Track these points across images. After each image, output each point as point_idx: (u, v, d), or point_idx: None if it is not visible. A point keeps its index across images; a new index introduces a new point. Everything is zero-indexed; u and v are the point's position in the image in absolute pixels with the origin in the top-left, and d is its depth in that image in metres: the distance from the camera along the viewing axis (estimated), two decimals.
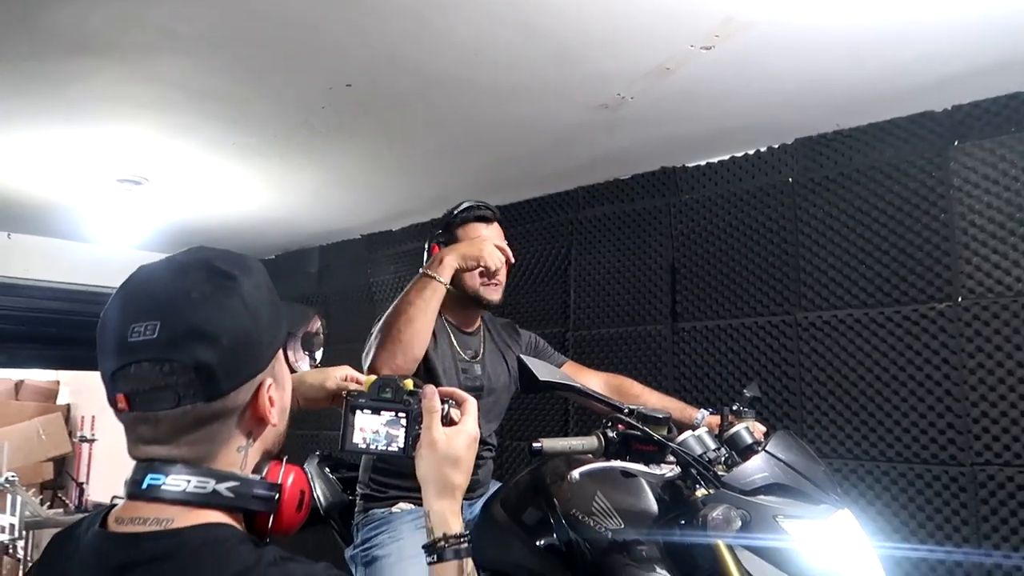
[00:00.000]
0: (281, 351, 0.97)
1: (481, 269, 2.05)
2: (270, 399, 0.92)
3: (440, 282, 1.85)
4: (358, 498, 2.14)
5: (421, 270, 1.84)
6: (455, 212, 2.17)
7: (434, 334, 2.08)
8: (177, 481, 0.85)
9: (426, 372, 2.02)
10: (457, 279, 2.10)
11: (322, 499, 2.42)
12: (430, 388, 1.06)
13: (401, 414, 1.05)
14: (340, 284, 4.50)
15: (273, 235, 4.41)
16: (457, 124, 2.76)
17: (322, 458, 2.54)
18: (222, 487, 0.87)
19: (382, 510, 2.05)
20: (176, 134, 2.85)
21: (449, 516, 1.03)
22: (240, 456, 0.91)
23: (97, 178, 3.33)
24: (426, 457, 1.04)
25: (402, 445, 1.05)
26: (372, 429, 1.05)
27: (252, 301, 0.90)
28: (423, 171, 3.30)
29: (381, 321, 1.91)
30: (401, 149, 3.03)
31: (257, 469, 0.94)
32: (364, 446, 1.04)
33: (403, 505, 2.04)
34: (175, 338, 0.84)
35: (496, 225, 2.18)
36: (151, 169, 3.24)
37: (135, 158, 3.11)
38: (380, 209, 3.90)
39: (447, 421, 1.07)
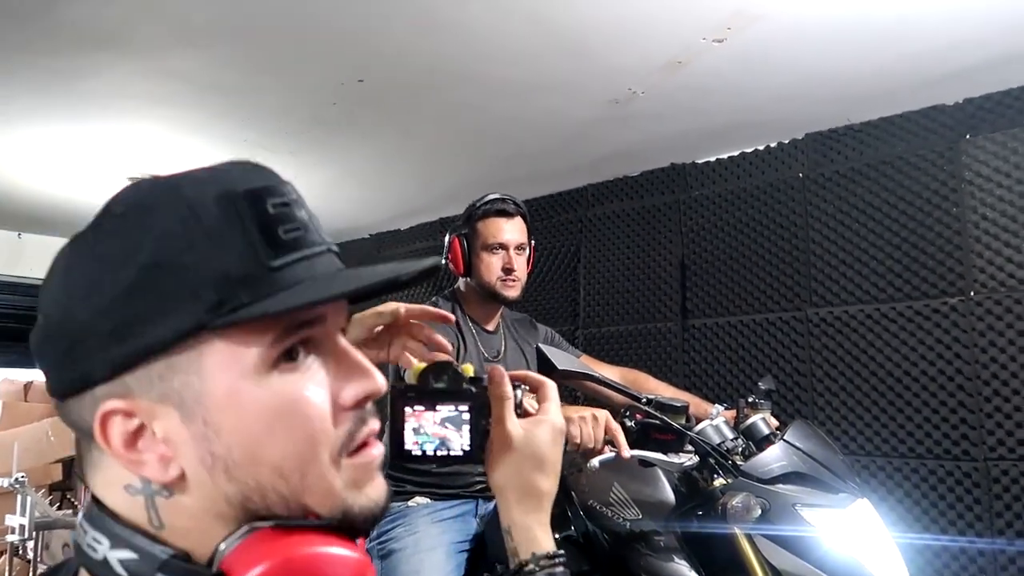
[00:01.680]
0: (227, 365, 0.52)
1: (503, 264, 2.08)
2: (129, 437, 0.52)
3: None
4: None
5: None
6: (477, 205, 2.17)
7: (461, 337, 2.09)
8: (81, 534, 0.55)
9: None
10: (476, 274, 2.12)
11: None
12: (498, 370, 0.83)
13: (463, 406, 0.83)
14: None
15: None
16: (468, 120, 2.77)
17: None
18: (115, 556, 0.53)
19: (398, 504, 2.05)
20: (187, 130, 2.86)
21: (538, 531, 0.81)
22: (137, 503, 0.54)
23: (108, 176, 3.34)
24: (501, 458, 0.82)
25: (468, 446, 0.82)
26: (428, 429, 0.83)
27: (110, 261, 0.51)
28: (433, 168, 3.31)
29: None
30: (412, 145, 3.04)
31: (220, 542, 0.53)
32: (421, 452, 0.81)
33: (419, 499, 2.05)
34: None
35: (519, 219, 2.17)
36: (162, 166, 3.24)
37: (146, 155, 3.12)
38: (390, 207, 3.90)
39: (521, 412, 0.87)
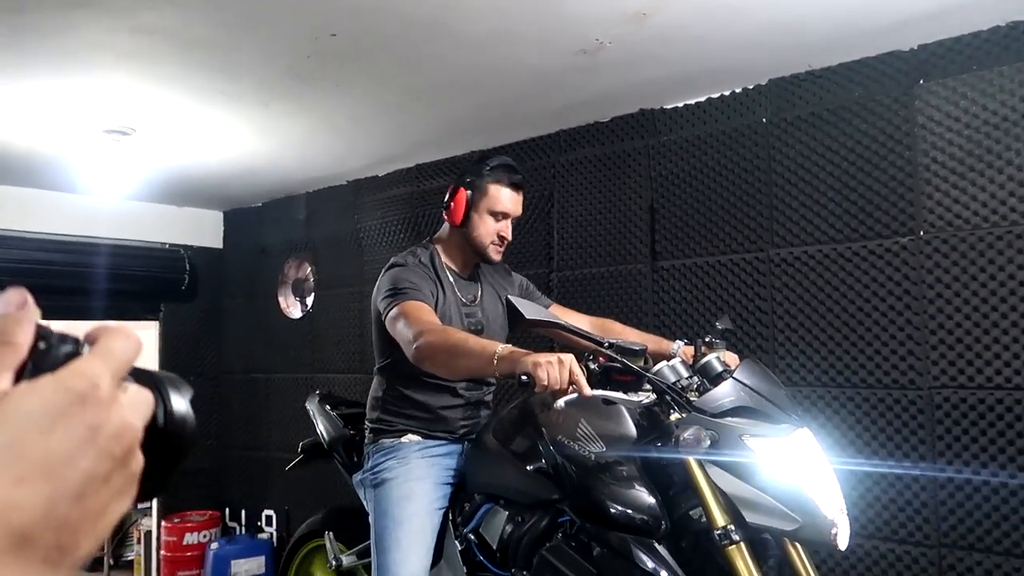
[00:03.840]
0: None
1: (499, 232, 2.24)
2: None
3: (493, 371, 1.69)
4: (367, 431, 2.30)
5: (497, 352, 1.67)
6: (491, 166, 2.25)
7: (439, 283, 2.22)
8: None
9: None
10: (470, 230, 2.23)
11: (325, 434, 2.58)
12: (15, 295, 0.42)
13: None
14: (328, 230, 4.58)
15: (260, 183, 4.46)
16: (440, 70, 2.82)
17: (322, 397, 2.69)
18: None
19: (391, 440, 2.21)
20: (162, 83, 2.89)
21: None
22: None
23: (84, 129, 3.36)
24: None
25: None
26: None
27: None
28: (407, 117, 3.36)
29: (445, 337, 1.86)
30: (385, 96, 3.09)
31: None
32: None
33: (411, 436, 2.20)
34: None
35: (521, 193, 2.31)
36: (138, 119, 3.28)
37: (122, 108, 3.14)
38: (366, 155, 3.96)
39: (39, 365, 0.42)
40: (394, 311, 2.01)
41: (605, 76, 2.86)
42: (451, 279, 2.29)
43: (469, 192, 2.23)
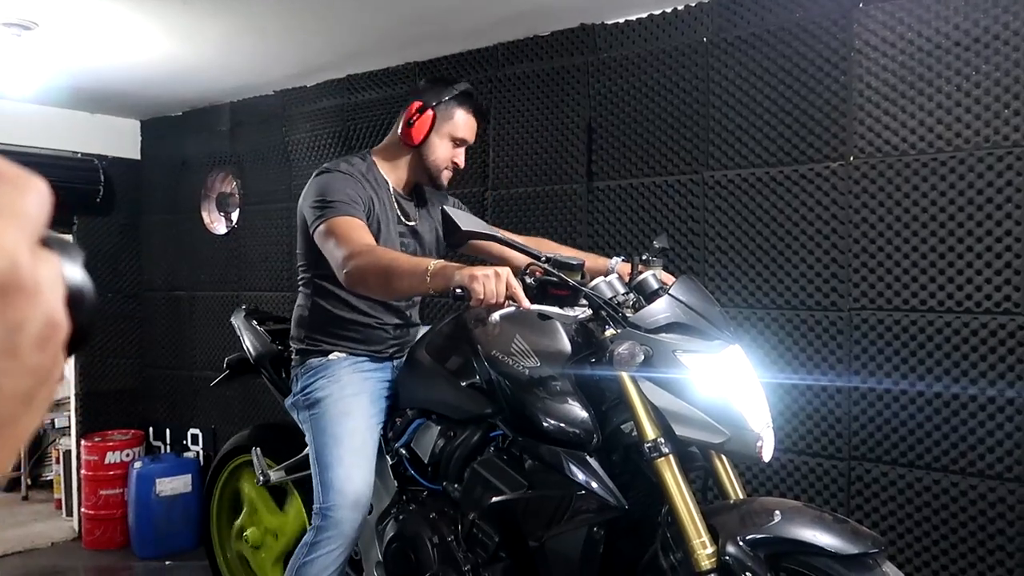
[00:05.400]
0: None
1: (454, 158, 2.21)
2: None
3: (427, 287, 1.64)
4: (293, 353, 2.24)
5: (430, 268, 1.63)
6: (459, 91, 2.19)
7: (378, 199, 2.15)
8: None
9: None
10: (428, 153, 2.18)
11: (251, 349, 2.51)
12: None
13: None
14: (254, 143, 4.38)
15: (180, 90, 4.20)
16: None
17: (248, 311, 2.61)
18: None
19: (318, 359, 2.16)
20: None
21: None
22: None
23: None
24: None
25: None
26: None
27: None
28: (338, 23, 3.19)
29: (376, 258, 1.80)
30: None
31: None
32: None
33: (337, 353, 2.16)
34: None
35: (481, 123, 2.32)
36: (41, 13, 3.02)
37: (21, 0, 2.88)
38: (294, 63, 3.76)
39: None
40: (323, 227, 1.94)
41: None
42: (391, 194, 2.22)
43: (434, 109, 2.18)
